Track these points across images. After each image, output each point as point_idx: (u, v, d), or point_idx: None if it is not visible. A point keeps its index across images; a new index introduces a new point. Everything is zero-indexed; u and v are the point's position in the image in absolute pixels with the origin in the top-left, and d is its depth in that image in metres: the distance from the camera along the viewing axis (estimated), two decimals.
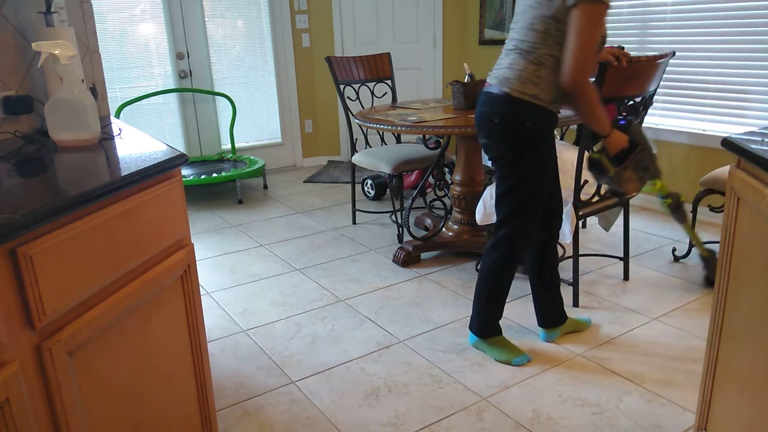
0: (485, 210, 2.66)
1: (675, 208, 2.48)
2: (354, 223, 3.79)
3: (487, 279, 2.16)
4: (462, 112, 2.94)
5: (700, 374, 1.84)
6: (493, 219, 2.64)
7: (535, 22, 1.86)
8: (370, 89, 3.82)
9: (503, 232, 2.09)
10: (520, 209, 2.05)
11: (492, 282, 2.15)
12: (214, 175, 4.15)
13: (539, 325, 2.31)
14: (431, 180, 3.68)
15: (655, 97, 3.00)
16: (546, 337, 2.30)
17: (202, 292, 2.85)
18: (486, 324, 2.21)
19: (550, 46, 1.86)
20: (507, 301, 2.64)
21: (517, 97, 1.90)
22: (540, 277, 2.26)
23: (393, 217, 3.83)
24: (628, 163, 2.00)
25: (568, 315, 2.33)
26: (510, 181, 2.03)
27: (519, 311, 2.55)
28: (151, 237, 1.26)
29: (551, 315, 2.29)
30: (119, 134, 1.65)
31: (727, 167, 2.77)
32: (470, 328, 2.26)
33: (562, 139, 3.70)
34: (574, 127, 3.61)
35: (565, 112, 2.73)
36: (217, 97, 4.80)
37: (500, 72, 1.95)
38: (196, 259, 2.10)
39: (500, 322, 2.22)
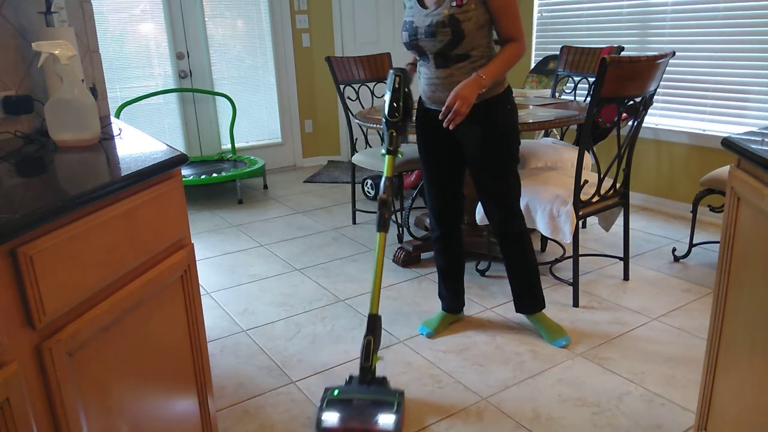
0: None
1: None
2: (354, 223, 3.79)
3: None
4: None
5: (700, 374, 1.84)
6: None
7: None
8: (370, 89, 3.82)
9: None
10: None
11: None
12: (214, 175, 4.15)
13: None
14: None
15: (655, 97, 3.00)
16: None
17: (202, 292, 2.85)
18: None
19: None
20: (507, 301, 2.64)
21: None
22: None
23: (393, 217, 3.83)
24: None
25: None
26: None
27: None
28: (151, 237, 1.26)
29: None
30: (119, 134, 1.65)
31: (727, 167, 2.77)
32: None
33: (561, 138, 3.70)
34: (574, 127, 3.61)
35: (563, 112, 2.73)
36: (217, 97, 4.80)
37: None
38: (196, 259, 2.10)
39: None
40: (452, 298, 2.42)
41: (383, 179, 2.02)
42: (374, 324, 1.94)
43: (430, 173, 2.27)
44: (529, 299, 2.33)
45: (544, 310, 2.36)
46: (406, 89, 2.04)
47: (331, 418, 1.78)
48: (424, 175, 2.31)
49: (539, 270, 2.32)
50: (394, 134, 2.03)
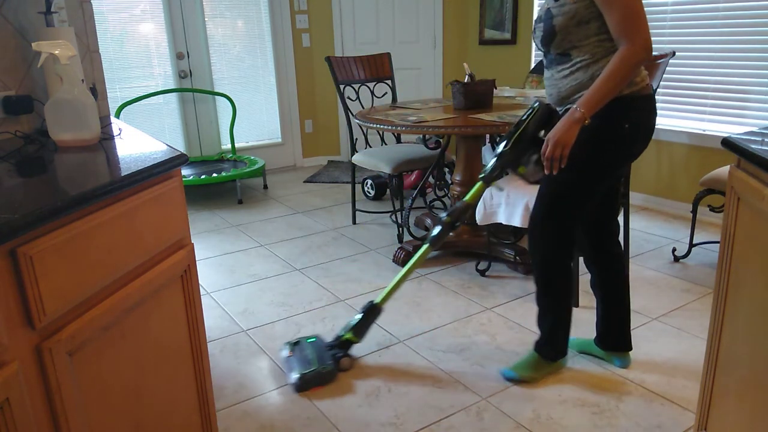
0: (485, 210, 2.66)
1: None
2: (354, 223, 3.79)
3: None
4: (462, 112, 2.94)
5: (700, 374, 1.84)
6: (494, 219, 2.64)
7: None
8: (370, 89, 3.82)
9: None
10: None
11: None
12: (214, 175, 4.15)
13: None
14: (431, 180, 3.68)
15: (655, 97, 3.00)
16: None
17: (202, 292, 2.85)
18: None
19: None
20: (507, 301, 2.65)
21: None
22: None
23: (393, 217, 3.83)
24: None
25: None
26: None
27: (519, 311, 2.55)
28: (151, 237, 1.26)
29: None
30: (119, 134, 1.65)
31: (727, 167, 2.77)
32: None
33: None
34: None
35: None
36: (217, 97, 4.80)
37: None
38: (196, 259, 2.10)
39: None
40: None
41: (460, 202, 1.99)
42: (373, 311, 2.16)
43: None
44: (543, 339, 2.07)
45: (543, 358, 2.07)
46: (532, 125, 1.86)
47: (285, 350, 2.20)
48: None
49: (562, 320, 2.02)
50: (496, 163, 1.90)
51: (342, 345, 2.17)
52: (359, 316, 2.16)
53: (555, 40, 1.78)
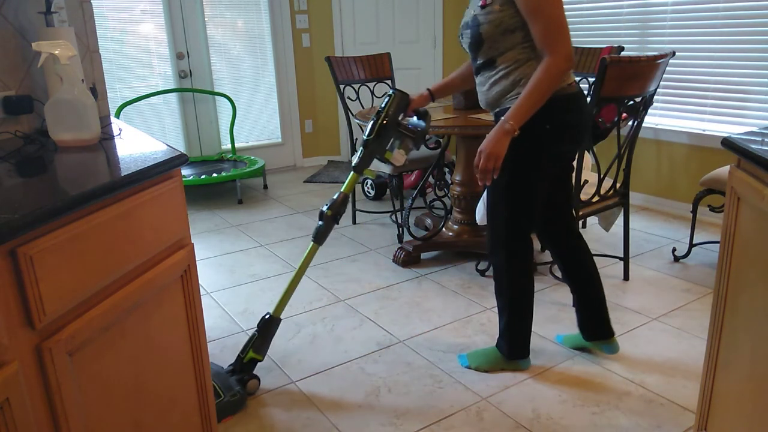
0: (485, 210, 2.66)
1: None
2: (354, 223, 3.79)
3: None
4: (462, 112, 2.94)
5: (700, 374, 1.84)
6: None
7: None
8: (370, 89, 3.82)
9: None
10: None
11: None
12: (214, 175, 4.15)
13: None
14: (431, 180, 3.68)
15: (655, 97, 3.00)
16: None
17: (202, 292, 2.85)
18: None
19: None
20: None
21: None
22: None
23: (393, 217, 3.83)
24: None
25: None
26: None
27: None
28: (151, 237, 1.26)
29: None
30: (119, 134, 1.65)
31: (727, 167, 2.77)
32: None
33: None
34: None
35: None
36: (217, 97, 4.80)
37: None
38: (196, 259, 2.10)
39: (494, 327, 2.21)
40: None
41: (338, 194, 2.00)
42: (269, 325, 2.03)
43: None
44: (500, 334, 2.13)
45: (500, 352, 2.12)
46: (392, 112, 1.98)
47: None
48: None
49: (516, 318, 2.04)
50: (364, 152, 2.00)
51: (245, 367, 2.03)
52: (256, 332, 2.03)
53: (483, 48, 1.80)
